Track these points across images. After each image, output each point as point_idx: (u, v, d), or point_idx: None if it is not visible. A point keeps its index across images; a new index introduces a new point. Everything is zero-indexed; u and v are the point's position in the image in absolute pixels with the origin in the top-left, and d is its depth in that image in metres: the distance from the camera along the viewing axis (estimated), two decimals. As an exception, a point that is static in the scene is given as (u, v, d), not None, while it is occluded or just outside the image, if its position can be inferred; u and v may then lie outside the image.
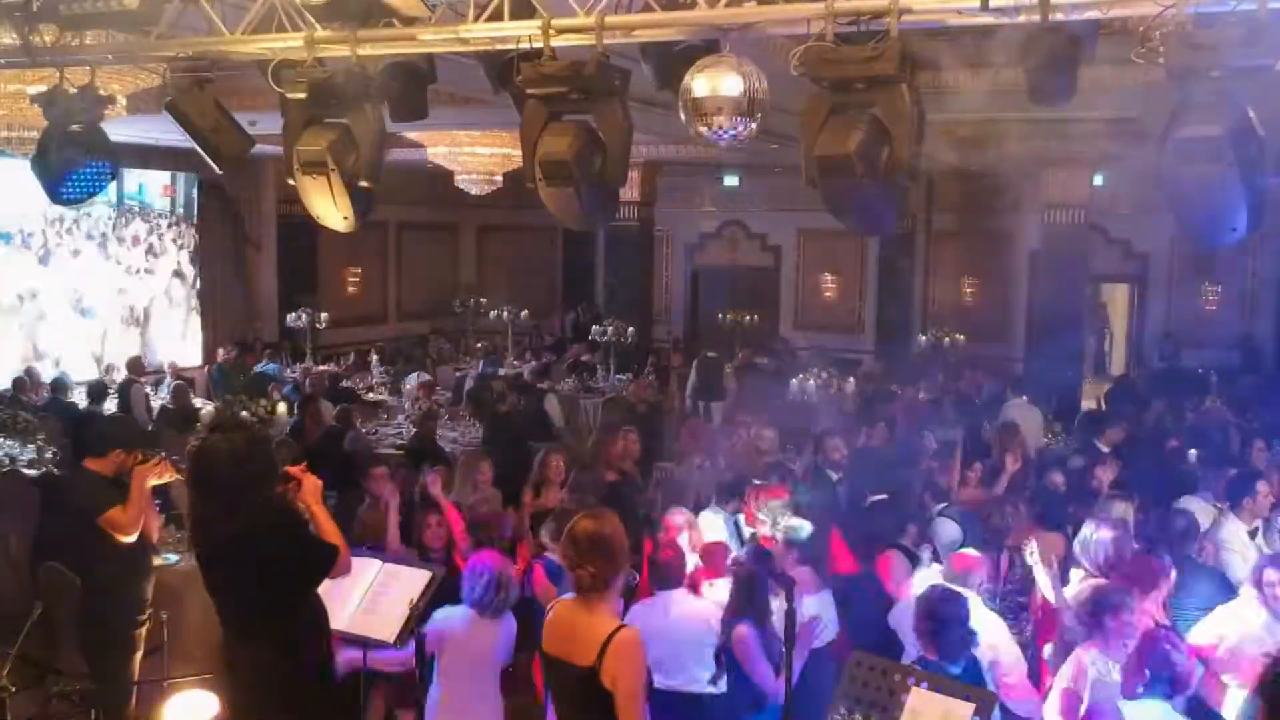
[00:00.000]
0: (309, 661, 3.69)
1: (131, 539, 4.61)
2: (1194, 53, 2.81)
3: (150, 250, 14.05)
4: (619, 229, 17.74)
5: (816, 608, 4.63)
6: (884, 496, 6.42)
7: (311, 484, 3.82)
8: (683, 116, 3.47)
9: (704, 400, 12.20)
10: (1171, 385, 12.78)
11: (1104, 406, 11.97)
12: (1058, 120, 10.98)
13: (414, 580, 3.64)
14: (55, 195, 5.25)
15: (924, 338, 14.55)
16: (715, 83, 3.34)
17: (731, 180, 18.18)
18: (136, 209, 13.69)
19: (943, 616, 4.07)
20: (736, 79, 3.32)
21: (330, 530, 3.79)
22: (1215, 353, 14.70)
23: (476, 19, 3.80)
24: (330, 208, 4.01)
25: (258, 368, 12.84)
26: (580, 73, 3.51)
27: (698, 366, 12.64)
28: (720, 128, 3.36)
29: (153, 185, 13.87)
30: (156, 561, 5.04)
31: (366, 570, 3.75)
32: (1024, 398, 10.14)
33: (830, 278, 17.83)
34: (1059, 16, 3.11)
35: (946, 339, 13.74)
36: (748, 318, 16.43)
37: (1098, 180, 14.03)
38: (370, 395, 12.22)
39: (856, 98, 3.20)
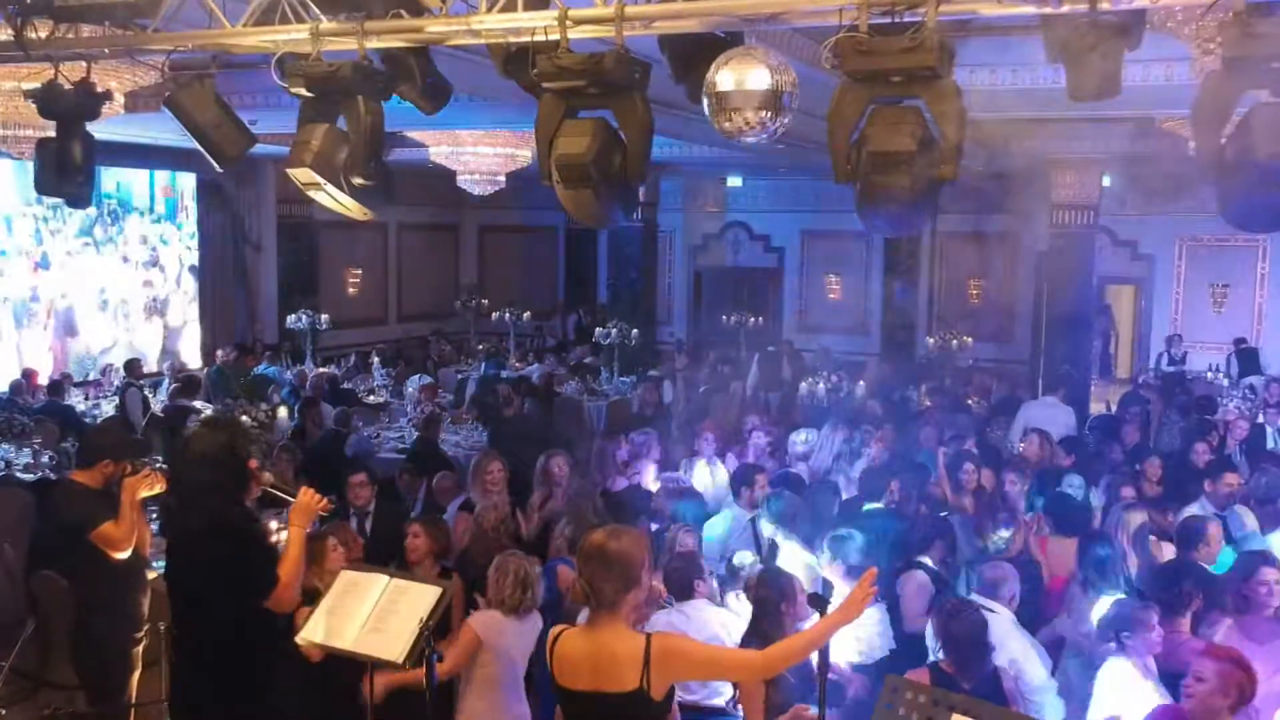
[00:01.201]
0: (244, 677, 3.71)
1: (125, 555, 4.43)
2: (1254, 42, 2.67)
3: (150, 247, 14.00)
4: (622, 230, 17.61)
5: (866, 622, 4.45)
6: (879, 506, 6.27)
7: (302, 504, 3.83)
8: (706, 111, 3.31)
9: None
10: (1182, 389, 12.67)
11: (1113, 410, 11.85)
12: (1066, 120, 10.88)
13: (424, 597, 3.47)
14: (79, 199, 5.13)
15: (931, 340, 14.41)
16: (741, 76, 3.18)
17: (735, 181, 18.05)
18: (118, 207, 13.57)
19: (955, 632, 3.95)
20: (764, 72, 3.16)
21: (290, 559, 3.77)
22: (1223, 356, 14.57)
23: (489, 10, 3.64)
24: (338, 206, 3.88)
25: (257, 370, 12.71)
26: (599, 65, 3.35)
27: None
28: (746, 123, 3.20)
29: (131, 183, 13.75)
30: (150, 575, 4.86)
31: (373, 586, 3.59)
32: (1054, 397, 9.90)
33: (834, 279, 17.68)
34: (1105, 6, 2.96)
35: (954, 341, 13.61)
36: (751, 319, 16.29)
37: (1105, 181, 13.91)
38: (371, 398, 12.09)
39: (893, 91, 3.05)
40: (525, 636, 4.35)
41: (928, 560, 5.08)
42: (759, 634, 4.21)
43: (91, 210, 12.85)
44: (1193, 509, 6.06)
